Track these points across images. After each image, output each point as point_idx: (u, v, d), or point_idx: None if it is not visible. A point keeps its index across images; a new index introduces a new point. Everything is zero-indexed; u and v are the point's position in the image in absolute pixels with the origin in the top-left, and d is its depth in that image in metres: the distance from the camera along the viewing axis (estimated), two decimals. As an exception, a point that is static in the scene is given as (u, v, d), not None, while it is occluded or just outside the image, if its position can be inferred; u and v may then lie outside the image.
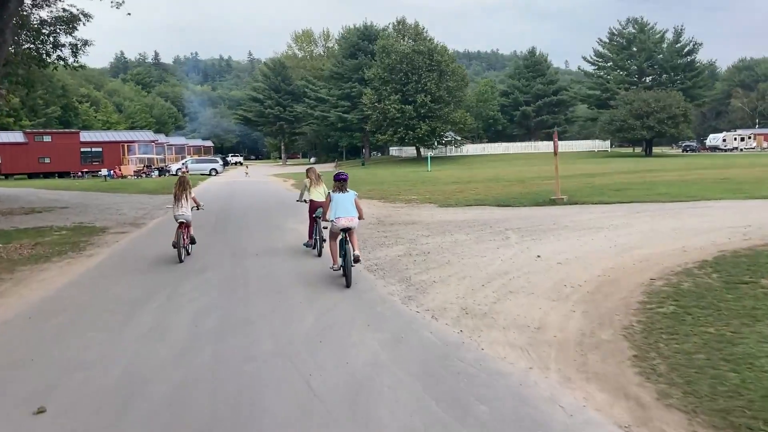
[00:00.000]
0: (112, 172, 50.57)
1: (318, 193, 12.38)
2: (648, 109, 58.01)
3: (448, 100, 65.31)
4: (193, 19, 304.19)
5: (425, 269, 9.82)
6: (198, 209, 12.33)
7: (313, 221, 12.25)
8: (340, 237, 9.40)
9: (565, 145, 76.87)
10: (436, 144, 70.56)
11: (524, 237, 12.55)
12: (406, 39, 67.11)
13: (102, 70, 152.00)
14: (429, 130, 64.65)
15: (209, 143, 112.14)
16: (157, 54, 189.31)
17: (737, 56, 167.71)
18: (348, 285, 8.85)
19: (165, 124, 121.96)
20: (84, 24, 26.61)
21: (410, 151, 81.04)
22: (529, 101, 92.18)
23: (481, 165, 56.67)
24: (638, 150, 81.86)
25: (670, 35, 72.64)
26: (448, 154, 74.85)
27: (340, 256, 9.33)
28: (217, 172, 58.07)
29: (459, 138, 69.54)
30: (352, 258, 8.92)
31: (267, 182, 41.82)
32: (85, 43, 27.78)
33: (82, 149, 57.94)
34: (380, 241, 12.97)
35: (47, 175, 55.85)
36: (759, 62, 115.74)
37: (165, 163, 64.42)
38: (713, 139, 79.75)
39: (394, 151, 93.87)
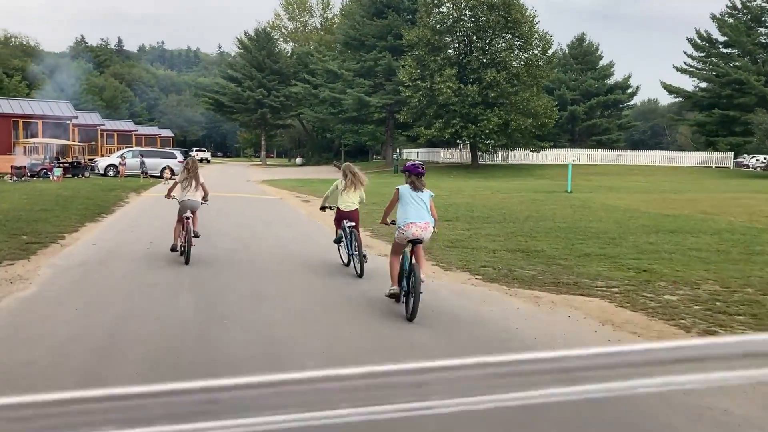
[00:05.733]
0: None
1: (349, 200, 9.00)
2: None
3: (529, 82, 43.56)
4: (161, 8, 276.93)
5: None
6: (205, 202, 9.61)
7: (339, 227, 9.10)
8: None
9: (666, 158, 55.92)
10: (491, 147, 48.54)
11: None
12: (465, -11, 45.07)
13: (61, 54, 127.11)
14: (501, 123, 42.71)
15: (169, 133, 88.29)
16: (120, 40, 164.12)
17: None
18: (412, 318, 6.39)
19: (117, 109, 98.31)
20: None
21: (440, 155, 58.12)
22: (578, 100, 71.72)
23: (598, 182, 35.18)
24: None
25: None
26: (511, 162, 52.79)
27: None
28: (172, 174, 35.27)
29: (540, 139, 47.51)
30: (419, 282, 6.31)
31: (285, 207, 19.30)
32: None
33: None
34: None
35: None
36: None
37: (88, 155, 40.97)
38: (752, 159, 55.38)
39: (405, 153, 71.07)
